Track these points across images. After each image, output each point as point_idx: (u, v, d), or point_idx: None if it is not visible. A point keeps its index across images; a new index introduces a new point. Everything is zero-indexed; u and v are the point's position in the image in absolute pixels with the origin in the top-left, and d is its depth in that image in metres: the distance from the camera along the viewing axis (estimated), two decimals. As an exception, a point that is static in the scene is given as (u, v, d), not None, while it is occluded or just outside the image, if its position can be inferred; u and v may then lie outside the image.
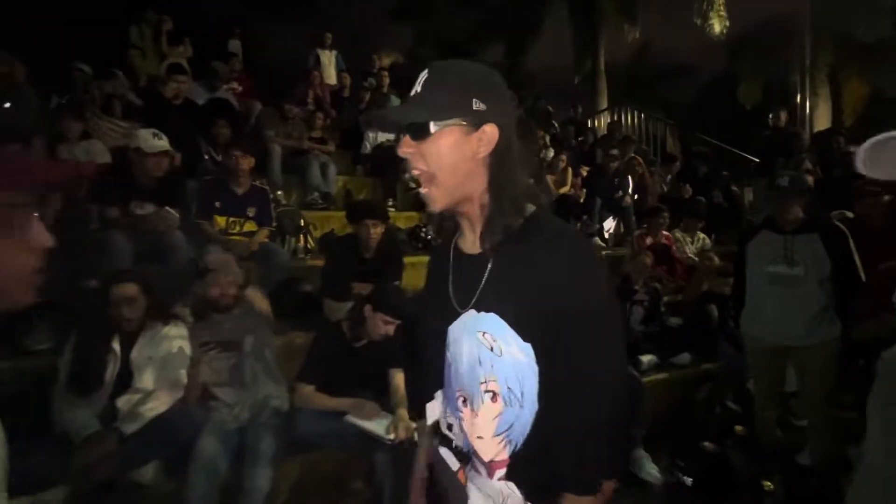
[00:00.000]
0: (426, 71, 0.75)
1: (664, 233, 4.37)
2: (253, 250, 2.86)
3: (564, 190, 5.07)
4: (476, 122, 0.73)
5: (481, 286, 0.77)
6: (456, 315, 0.80)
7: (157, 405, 1.87)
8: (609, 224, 5.18)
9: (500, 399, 0.75)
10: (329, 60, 6.81)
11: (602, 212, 5.07)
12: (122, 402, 1.87)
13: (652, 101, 11.17)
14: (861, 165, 0.72)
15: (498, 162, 0.75)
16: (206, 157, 3.66)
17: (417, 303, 0.96)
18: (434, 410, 0.88)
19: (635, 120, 8.25)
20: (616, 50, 11.93)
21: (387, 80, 6.29)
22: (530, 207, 0.78)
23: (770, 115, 5.69)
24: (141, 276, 2.06)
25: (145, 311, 1.99)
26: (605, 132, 7.63)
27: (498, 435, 0.76)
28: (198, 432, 1.86)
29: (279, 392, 2.12)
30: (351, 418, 1.87)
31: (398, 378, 2.10)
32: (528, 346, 0.74)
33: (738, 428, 2.69)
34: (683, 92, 14.31)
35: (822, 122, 11.07)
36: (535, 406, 0.75)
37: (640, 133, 8.01)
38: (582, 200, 5.04)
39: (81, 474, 1.65)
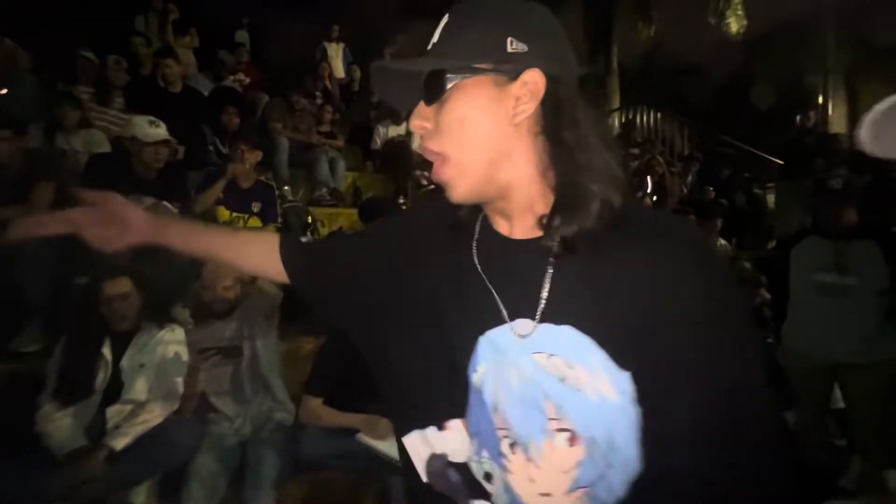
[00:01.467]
0: (447, 14, 0.53)
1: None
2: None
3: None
4: (513, 69, 0.50)
5: (547, 288, 0.51)
6: (492, 325, 0.54)
7: (151, 418, 1.70)
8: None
9: (580, 444, 0.50)
10: (336, 53, 6.65)
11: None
12: (112, 413, 1.70)
13: (666, 101, 10.96)
14: (865, 142, 0.55)
15: (555, 127, 0.51)
16: (211, 147, 3.50)
17: (397, 301, 0.62)
18: (425, 447, 0.59)
19: (650, 119, 8.06)
20: (630, 48, 11.71)
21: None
22: (612, 194, 0.51)
23: (798, 117, 5.48)
24: (135, 272, 1.90)
25: (139, 311, 1.83)
26: (620, 131, 7.43)
27: (574, 492, 0.51)
28: (195, 448, 1.69)
29: (283, 405, 1.95)
30: (362, 437, 1.69)
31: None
32: (625, 378, 0.49)
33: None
34: (698, 92, 14.08)
35: (839, 124, 10.84)
36: (634, 467, 0.50)
37: (655, 133, 7.81)
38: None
39: (66, 495, 1.49)
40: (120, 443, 1.61)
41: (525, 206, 0.54)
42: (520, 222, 0.55)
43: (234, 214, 2.79)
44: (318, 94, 5.43)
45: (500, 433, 0.55)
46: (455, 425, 0.58)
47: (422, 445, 0.59)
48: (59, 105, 2.93)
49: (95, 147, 2.96)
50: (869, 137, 0.54)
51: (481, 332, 0.55)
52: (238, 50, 5.68)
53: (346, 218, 3.87)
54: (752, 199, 5.31)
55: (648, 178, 5.01)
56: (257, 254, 0.74)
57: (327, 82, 5.81)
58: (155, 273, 2.11)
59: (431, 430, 0.58)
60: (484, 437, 0.56)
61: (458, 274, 0.57)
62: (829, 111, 8.42)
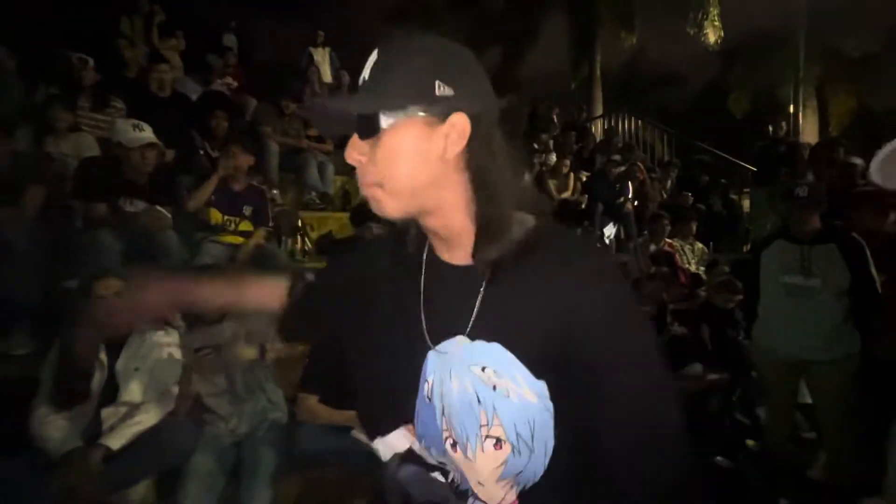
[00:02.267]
0: (375, 52, 0.58)
1: (667, 240, 4.33)
2: (249, 252, 2.73)
3: (566, 195, 5.02)
4: (442, 111, 0.56)
5: (476, 308, 0.60)
6: (437, 341, 0.63)
7: (146, 419, 1.73)
8: (609, 230, 5.14)
9: (505, 445, 0.60)
10: (323, 58, 6.69)
11: (603, 218, 5.03)
12: (108, 415, 1.72)
13: (647, 108, 11.26)
14: (876, 176, 0.64)
15: (477, 162, 0.58)
16: (201, 151, 3.50)
17: (355, 321, 0.73)
18: (393, 445, 0.69)
19: (631, 126, 8.28)
20: (612, 56, 12.01)
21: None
22: (528, 219, 0.61)
23: (770, 126, 5.72)
24: (126, 273, 1.92)
25: None
26: (602, 138, 7.64)
27: (502, 480, 0.62)
28: (191, 448, 1.73)
29: (277, 404, 1.99)
30: (357, 434, 1.75)
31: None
32: (541, 385, 0.58)
33: (750, 442, 2.63)
34: (677, 100, 14.49)
35: (810, 133, 11.29)
36: (549, 447, 0.60)
37: (636, 139, 8.04)
38: (583, 206, 4.99)
39: (63, 496, 1.51)
40: (116, 443, 1.64)
41: (457, 233, 0.61)
42: (457, 249, 0.63)
43: (226, 217, 2.81)
44: (306, 98, 5.46)
45: (444, 434, 0.64)
46: (405, 429, 0.68)
47: (383, 447, 0.70)
48: (52, 108, 2.90)
49: (85, 151, 2.95)
50: (880, 171, 0.62)
51: (430, 348, 0.63)
52: (226, 54, 5.66)
53: (336, 221, 3.91)
54: (728, 204, 5.52)
55: (629, 183, 5.17)
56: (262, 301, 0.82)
57: (316, 87, 5.83)
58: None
59: (391, 435, 0.69)
60: (430, 438, 0.65)
61: (409, 298, 0.65)
62: (801, 120, 8.78)
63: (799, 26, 8.78)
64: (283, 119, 4.46)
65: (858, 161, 3.97)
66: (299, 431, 1.83)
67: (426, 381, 0.64)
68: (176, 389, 1.86)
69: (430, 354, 0.63)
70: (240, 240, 2.81)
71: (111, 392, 1.76)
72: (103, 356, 1.78)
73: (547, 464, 0.60)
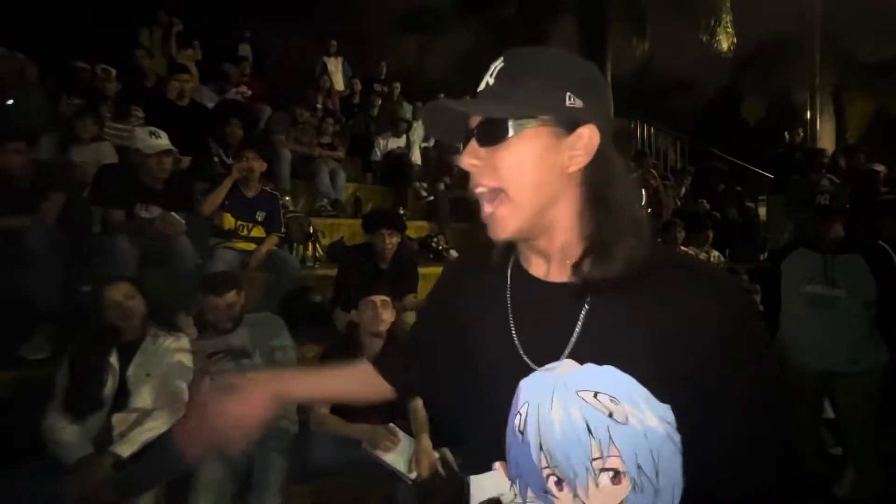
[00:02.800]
0: (501, 59, 0.57)
1: (682, 248, 4.25)
2: (261, 258, 2.74)
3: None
4: (570, 122, 0.55)
5: (578, 329, 0.56)
6: (525, 369, 0.58)
7: (157, 425, 1.72)
8: (622, 238, 5.07)
9: (625, 480, 0.53)
10: (336, 67, 6.77)
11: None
12: (118, 421, 1.72)
13: (659, 115, 11.17)
14: None
15: (596, 178, 0.56)
16: (216, 158, 3.55)
17: (441, 341, 0.69)
18: (484, 486, 0.62)
19: (643, 133, 8.21)
20: (622, 62, 11.96)
21: (398, 88, 6.22)
22: (637, 241, 0.56)
23: (786, 133, 5.63)
24: (138, 279, 1.93)
25: (144, 318, 1.86)
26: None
27: None
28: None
29: (287, 412, 1.98)
30: (366, 447, 1.72)
31: (418, 399, 1.95)
32: (666, 409, 0.53)
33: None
34: (690, 106, 14.36)
35: (827, 139, 11.09)
36: (677, 491, 0.54)
37: (649, 146, 7.96)
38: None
39: (74, 503, 1.50)
40: (126, 450, 1.63)
41: (562, 248, 0.58)
42: (557, 265, 0.59)
43: (239, 222, 2.83)
44: (319, 106, 5.52)
45: (545, 472, 0.56)
46: (497, 468, 0.62)
47: (476, 488, 0.63)
48: (80, 119, 2.97)
49: (104, 159, 3.01)
50: None
51: (523, 374, 0.58)
52: (241, 63, 5.76)
53: (347, 228, 3.92)
54: (743, 212, 5.42)
55: (642, 190, 5.10)
56: (365, 387, 0.79)
57: (328, 96, 5.90)
58: (162, 282, 2.14)
59: (485, 475, 0.63)
60: (527, 477, 0.58)
61: (496, 316, 0.61)
62: (818, 127, 8.63)
63: (814, 31, 8.67)
64: (296, 127, 4.50)
65: (881, 168, 3.86)
66: (309, 442, 1.81)
67: (517, 412, 0.58)
68: (187, 396, 1.85)
69: (523, 383, 0.58)
70: (252, 246, 2.82)
71: (122, 398, 1.76)
72: (115, 362, 1.79)
73: None
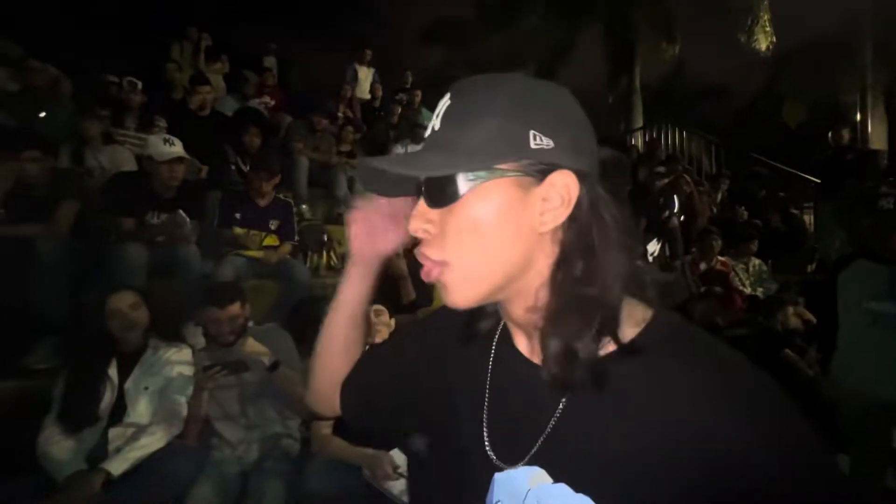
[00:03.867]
0: (448, 95, 0.45)
1: (720, 258, 3.95)
2: (272, 264, 2.68)
3: (605, 209, 4.74)
4: (538, 168, 0.43)
5: (549, 428, 0.44)
6: (493, 469, 0.47)
7: (152, 442, 1.64)
8: (653, 247, 4.79)
9: None
10: (366, 76, 6.83)
11: (646, 233, 4.69)
12: (114, 436, 1.65)
13: (691, 119, 10.74)
14: None
15: (578, 231, 0.44)
16: (233, 166, 3.55)
17: (418, 418, 0.57)
18: None
19: (675, 138, 7.87)
20: (652, 67, 11.62)
21: (419, 97, 6.18)
22: (635, 311, 0.45)
23: (830, 134, 5.21)
24: (143, 288, 1.88)
25: (146, 328, 1.80)
26: (644, 151, 7.27)
27: None
28: (195, 478, 1.62)
29: (291, 432, 1.86)
30: (367, 475, 1.58)
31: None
32: None
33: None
34: (724, 110, 13.79)
35: (879, 142, 10.37)
36: None
37: (681, 151, 7.61)
38: (624, 221, 4.68)
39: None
40: (118, 468, 1.55)
41: (539, 310, 0.45)
42: (530, 339, 0.48)
43: (252, 232, 2.78)
44: (339, 115, 5.53)
45: None
46: None
47: None
48: (83, 120, 3.03)
49: (122, 165, 3.04)
50: None
51: (497, 468, 0.47)
52: (265, 74, 5.87)
53: (364, 237, 3.84)
54: (788, 219, 5.03)
55: (675, 196, 4.82)
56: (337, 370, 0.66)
57: (349, 104, 5.92)
58: (168, 291, 2.09)
59: None
60: None
61: (472, 394, 0.51)
62: (868, 128, 8.02)
63: (864, 28, 8.12)
64: (314, 135, 4.50)
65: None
66: (308, 467, 1.68)
67: (490, 493, 0.47)
68: (185, 411, 1.77)
69: (497, 477, 0.47)
70: (262, 254, 2.76)
71: (119, 412, 1.69)
72: (114, 374, 1.73)
73: None
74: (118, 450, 1.62)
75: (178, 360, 1.83)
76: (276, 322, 2.36)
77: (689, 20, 10.87)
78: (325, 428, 1.79)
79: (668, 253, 4.70)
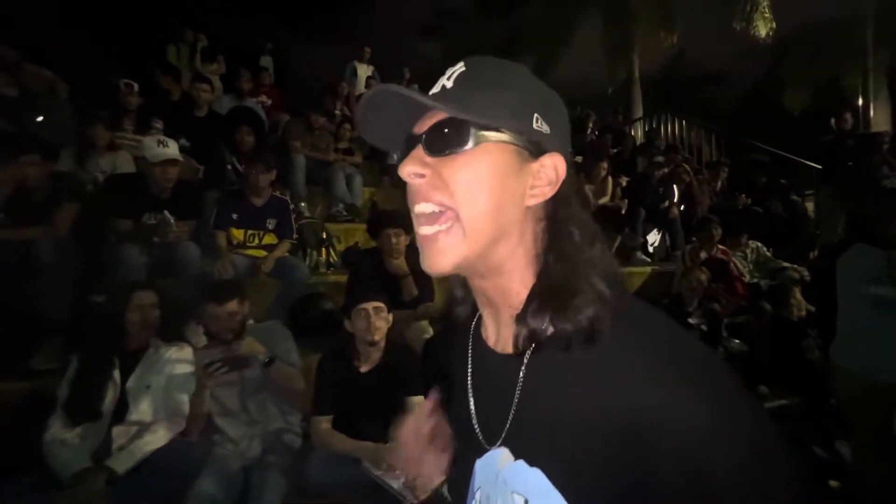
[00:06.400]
0: (462, 63, 0.48)
1: (720, 247, 3.94)
2: (270, 265, 2.69)
3: (604, 200, 4.72)
4: (535, 148, 0.46)
5: (513, 411, 0.47)
6: (481, 449, 0.51)
7: (155, 439, 1.67)
8: (653, 237, 4.77)
9: None
10: (364, 74, 6.80)
11: (646, 224, 4.67)
12: (117, 434, 1.67)
13: (691, 108, 10.65)
14: None
15: (561, 216, 0.47)
16: (229, 166, 3.56)
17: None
18: None
19: (675, 127, 7.81)
20: (651, 56, 11.54)
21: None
22: (600, 292, 0.46)
23: (832, 119, 5.16)
24: (159, 286, 1.92)
25: (152, 327, 1.82)
26: (643, 140, 7.23)
27: None
28: (197, 473, 1.64)
29: (293, 426, 1.88)
30: (367, 466, 1.59)
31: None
32: None
33: (833, 483, 2.24)
34: (724, 97, 13.68)
35: (883, 125, 10.27)
36: None
37: (681, 140, 7.56)
38: (623, 212, 4.66)
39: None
40: (122, 465, 1.58)
41: (512, 303, 0.48)
42: (506, 328, 0.50)
43: (249, 232, 2.79)
44: (337, 112, 5.52)
45: None
46: None
47: None
48: (92, 126, 3.04)
49: (121, 168, 3.05)
50: None
51: (477, 455, 0.52)
52: (261, 73, 5.86)
53: (362, 233, 3.83)
54: (789, 206, 5.00)
55: (675, 186, 4.80)
56: None
57: (346, 102, 5.91)
58: (170, 291, 2.11)
59: None
60: None
61: (460, 391, 0.55)
62: (871, 112, 7.93)
63: (866, 11, 8.01)
64: (312, 133, 4.49)
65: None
66: (309, 459, 1.70)
67: (474, 495, 0.52)
68: (187, 408, 1.79)
69: (477, 464, 0.52)
70: (262, 253, 2.77)
71: (122, 410, 1.71)
72: (117, 373, 1.75)
73: None
74: (122, 448, 1.65)
75: (180, 359, 1.85)
76: (276, 319, 2.38)
77: (688, 9, 10.77)
78: (325, 423, 1.81)
79: (668, 243, 4.69)
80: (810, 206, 5.60)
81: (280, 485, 1.66)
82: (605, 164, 4.75)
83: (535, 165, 0.46)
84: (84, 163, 3.12)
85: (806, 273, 3.51)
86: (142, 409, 1.73)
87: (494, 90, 0.46)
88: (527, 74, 0.49)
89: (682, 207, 4.75)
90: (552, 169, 0.46)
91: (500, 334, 0.51)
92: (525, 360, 0.46)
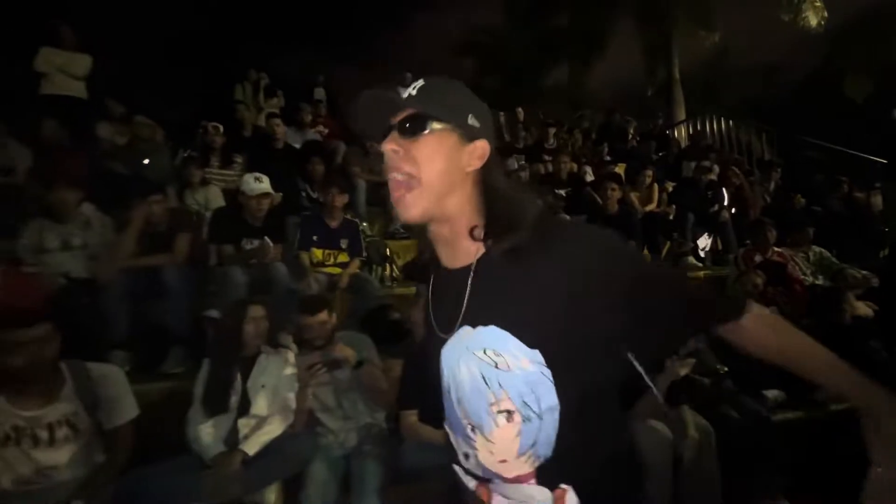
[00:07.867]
0: (421, 81, 0.74)
1: (776, 249, 3.89)
2: (346, 281, 3.02)
3: (651, 207, 4.77)
4: (470, 135, 0.73)
5: (466, 298, 0.72)
6: (441, 339, 0.76)
7: (272, 429, 1.99)
8: (704, 242, 4.75)
9: (516, 416, 0.69)
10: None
11: (695, 229, 4.67)
12: (242, 425, 2.00)
13: (738, 107, 10.30)
14: None
15: (487, 178, 0.73)
16: (303, 193, 3.98)
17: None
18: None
19: (721, 128, 7.64)
20: (692, 55, 11.28)
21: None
22: (533, 207, 0.74)
23: (895, 110, 4.94)
24: (266, 301, 2.26)
25: (264, 336, 2.16)
26: (687, 143, 7.15)
27: (523, 454, 0.70)
28: (309, 457, 1.94)
29: (379, 421, 2.15)
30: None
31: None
32: (535, 353, 0.67)
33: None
34: (772, 93, 13.07)
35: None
36: (556, 414, 0.69)
37: (729, 142, 7.38)
38: (671, 217, 4.69)
39: (212, 494, 1.78)
40: (251, 449, 1.90)
41: (460, 240, 0.73)
42: (458, 254, 0.75)
43: (327, 251, 3.15)
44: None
45: (465, 422, 0.74)
46: (446, 427, 0.80)
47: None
48: (187, 165, 3.54)
49: (213, 199, 3.53)
50: None
51: (441, 345, 0.76)
52: (317, 105, 6.37)
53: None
54: (851, 203, 4.82)
55: (724, 189, 4.77)
56: None
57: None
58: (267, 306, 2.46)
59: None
60: (456, 427, 0.77)
61: (427, 307, 0.81)
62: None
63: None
64: (367, 157, 4.88)
65: None
66: (402, 447, 1.96)
67: (443, 377, 0.77)
68: (294, 404, 2.10)
69: (443, 351, 0.76)
70: (338, 270, 3.12)
71: (245, 405, 2.05)
72: (238, 375, 2.10)
73: (557, 431, 0.69)
74: (246, 437, 1.98)
75: (286, 362, 2.17)
76: (351, 329, 2.68)
77: (728, 5, 10.49)
78: (412, 416, 2.06)
79: (720, 246, 4.65)
80: (878, 201, 5.33)
81: (378, 472, 1.91)
82: (649, 172, 4.80)
83: (470, 147, 0.72)
84: (182, 197, 3.63)
85: (874, 279, 3.39)
86: (259, 405, 2.06)
87: (445, 98, 0.72)
88: (464, 88, 0.75)
89: (732, 210, 4.71)
90: (481, 149, 0.72)
91: (454, 259, 0.75)
92: (473, 266, 0.72)
